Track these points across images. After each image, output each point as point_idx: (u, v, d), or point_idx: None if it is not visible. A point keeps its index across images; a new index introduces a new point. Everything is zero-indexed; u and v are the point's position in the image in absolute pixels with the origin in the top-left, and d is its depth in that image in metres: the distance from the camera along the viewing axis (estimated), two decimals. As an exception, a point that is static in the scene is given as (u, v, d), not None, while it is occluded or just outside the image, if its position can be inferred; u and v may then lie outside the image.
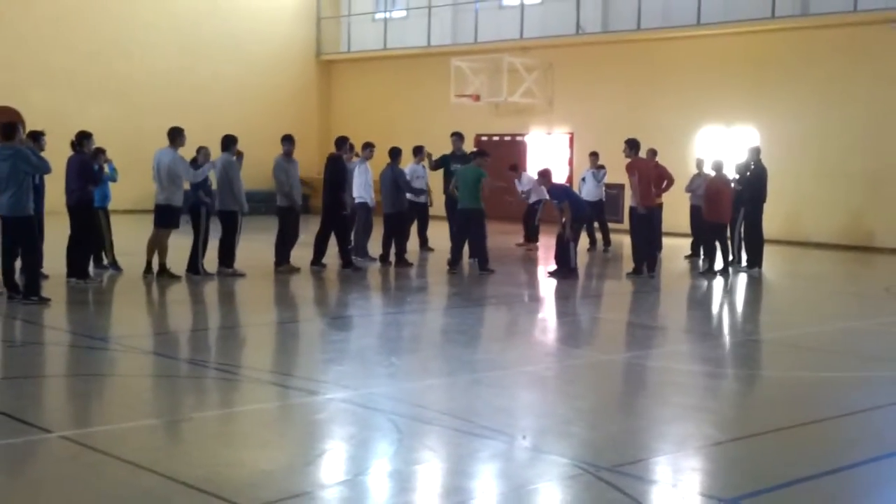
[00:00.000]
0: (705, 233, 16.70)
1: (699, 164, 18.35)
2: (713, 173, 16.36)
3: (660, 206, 17.05)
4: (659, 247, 16.73)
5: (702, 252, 17.34)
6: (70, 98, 25.88)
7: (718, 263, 16.33)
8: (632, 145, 15.73)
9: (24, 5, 25.78)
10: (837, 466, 6.46)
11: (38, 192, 12.02)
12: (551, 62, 26.47)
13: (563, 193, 15.85)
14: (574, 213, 15.38)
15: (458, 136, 18.77)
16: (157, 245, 14.15)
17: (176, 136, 14.15)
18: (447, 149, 18.66)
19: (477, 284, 14.79)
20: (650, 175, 15.93)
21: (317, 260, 15.60)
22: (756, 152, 16.85)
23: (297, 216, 15.57)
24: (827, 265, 19.46)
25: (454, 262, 15.88)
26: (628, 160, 15.66)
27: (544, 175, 16.21)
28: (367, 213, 16.90)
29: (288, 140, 15.42)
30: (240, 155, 14.73)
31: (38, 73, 25.77)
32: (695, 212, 17.77)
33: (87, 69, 26.54)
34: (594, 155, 19.97)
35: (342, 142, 15.97)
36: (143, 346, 9.96)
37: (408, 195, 16.92)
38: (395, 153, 16.70)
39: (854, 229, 21.64)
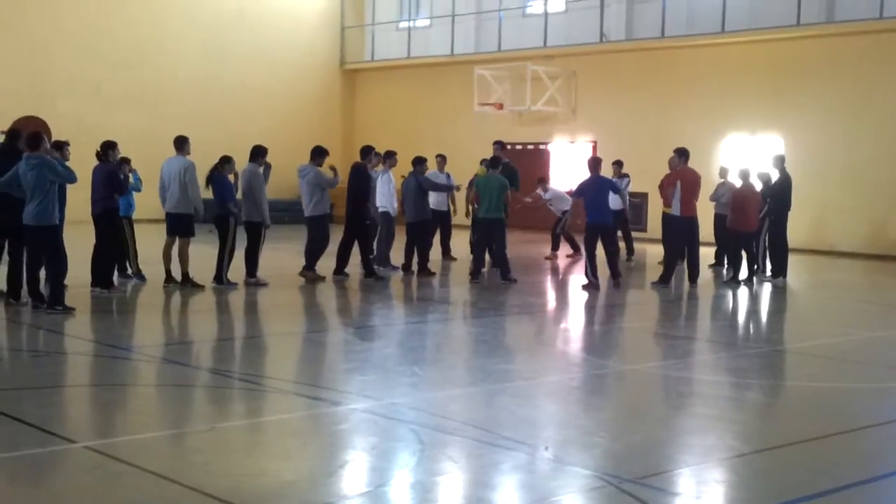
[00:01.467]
0: (730, 242, 16.62)
1: (723, 172, 18.27)
2: (738, 182, 16.29)
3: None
4: (683, 256, 16.63)
5: (726, 261, 17.27)
6: (96, 107, 26.10)
7: (743, 273, 16.25)
8: (681, 154, 15.68)
9: (50, 15, 26.00)
10: (863, 478, 6.41)
11: (59, 201, 12.07)
12: (575, 70, 26.46)
13: (583, 191, 15.70)
14: (589, 219, 15.31)
15: (499, 146, 18.56)
16: (170, 253, 14.22)
17: (183, 143, 14.27)
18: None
19: (499, 294, 14.77)
20: (695, 186, 15.81)
21: (339, 269, 15.62)
22: (780, 161, 16.77)
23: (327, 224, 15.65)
24: (852, 274, 19.33)
25: (476, 271, 15.86)
26: (676, 168, 15.64)
27: (593, 164, 15.96)
28: (390, 222, 16.90)
29: (324, 154, 15.48)
30: (268, 166, 14.76)
31: (65, 82, 26.02)
32: (719, 221, 17.68)
33: (113, 78, 26.76)
34: (618, 163, 19.90)
35: (367, 151, 15.97)
36: (166, 356, 10.00)
37: (430, 205, 16.95)
38: (418, 162, 16.71)
39: (879, 238, 21.49)
